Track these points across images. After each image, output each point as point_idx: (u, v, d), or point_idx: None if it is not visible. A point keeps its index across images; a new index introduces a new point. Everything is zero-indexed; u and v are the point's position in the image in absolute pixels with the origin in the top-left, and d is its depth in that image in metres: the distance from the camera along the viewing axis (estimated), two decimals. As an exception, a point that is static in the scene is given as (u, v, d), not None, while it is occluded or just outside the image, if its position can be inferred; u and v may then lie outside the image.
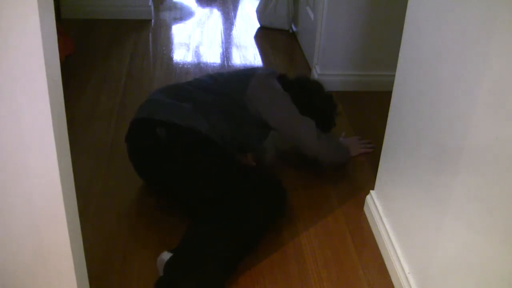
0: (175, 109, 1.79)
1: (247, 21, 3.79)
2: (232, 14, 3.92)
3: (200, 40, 3.42)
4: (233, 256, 1.59)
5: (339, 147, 2.13)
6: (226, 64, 3.09)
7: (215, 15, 3.88)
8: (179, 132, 1.74)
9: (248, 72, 1.97)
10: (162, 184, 1.86)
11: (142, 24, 3.55)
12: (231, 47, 3.33)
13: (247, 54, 3.23)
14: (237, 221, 1.61)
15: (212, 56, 3.18)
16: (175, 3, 4.05)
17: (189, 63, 3.06)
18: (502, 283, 1.11)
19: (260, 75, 1.94)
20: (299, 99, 1.97)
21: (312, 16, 2.93)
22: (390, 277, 1.64)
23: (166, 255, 1.53)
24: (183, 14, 3.85)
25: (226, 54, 3.23)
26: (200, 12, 3.91)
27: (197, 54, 3.19)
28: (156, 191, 1.94)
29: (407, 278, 1.52)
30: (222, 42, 3.41)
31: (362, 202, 1.95)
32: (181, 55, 3.17)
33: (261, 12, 3.59)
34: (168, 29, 3.56)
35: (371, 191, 1.88)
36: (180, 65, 3.02)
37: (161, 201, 1.91)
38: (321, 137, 1.98)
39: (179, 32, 3.52)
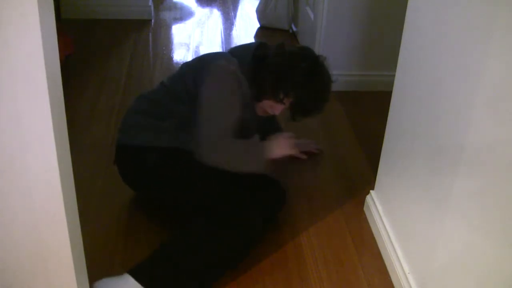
0: (158, 131, 1.72)
1: (247, 21, 3.79)
2: (232, 14, 3.92)
3: (200, 40, 3.42)
4: (233, 256, 1.60)
5: (247, 155, 1.69)
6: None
7: (215, 15, 3.88)
8: (167, 154, 1.70)
9: (210, 60, 1.74)
10: (157, 192, 1.79)
11: (142, 24, 3.55)
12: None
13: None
14: (237, 221, 1.61)
15: (212, 56, 3.18)
16: (175, 3, 4.05)
17: (189, 63, 3.06)
18: (502, 283, 1.11)
19: (220, 67, 1.69)
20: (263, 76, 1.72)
21: (312, 16, 2.93)
22: (390, 277, 1.64)
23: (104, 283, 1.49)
24: (183, 14, 3.85)
25: (226, 54, 3.23)
26: (200, 12, 3.91)
27: (197, 54, 3.19)
28: (150, 200, 1.91)
29: (407, 278, 1.52)
30: (222, 42, 3.41)
31: (362, 202, 1.95)
32: (181, 55, 3.17)
33: (261, 12, 3.59)
34: (168, 29, 3.56)
35: (371, 191, 1.88)
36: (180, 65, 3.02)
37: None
38: (225, 141, 1.64)
39: (179, 32, 3.52)
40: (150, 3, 3.69)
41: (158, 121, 1.73)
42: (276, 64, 1.71)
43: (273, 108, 1.76)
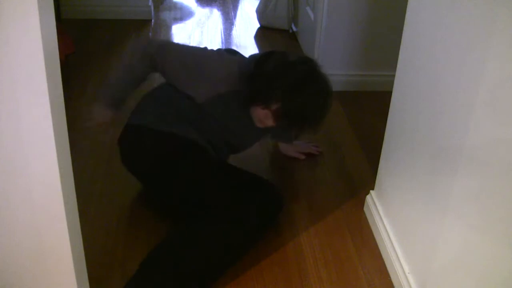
0: (162, 117, 1.76)
1: (247, 21, 3.79)
2: (232, 14, 3.92)
3: (200, 40, 3.42)
4: (229, 254, 1.60)
5: (117, 71, 1.94)
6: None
7: (215, 15, 3.88)
8: (166, 140, 1.73)
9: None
10: (153, 184, 1.83)
11: (142, 24, 3.55)
12: (231, 47, 3.33)
13: (247, 54, 3.22)
14: (232, 217, 1.60)
15: (212, 56, 3.18)
16: (175, 3, 4.05)
17: (189, 63, 3.06)
18: (502, 283, 1.11)
19: (219, 51, 1.89)
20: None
21: (312, 16, 2.93)
22: (390, 277, 1.64)
23: None
24: (183, 14, 3.85)
25: (226, 54, 3.23)
26: (200, 12, 3.91)
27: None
28: (149, 191, 1.93)
29: (407, 278, 1.52)
30: (222, 42, 3.41)
31: (362, 202, 1.95)
32: (181, 55, 3.17)
33: (261, 12, 3.59)
34: (168, 29, 3.56)
35: (371, 191, 1.88)
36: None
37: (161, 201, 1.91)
38: (133, 48, 1.89)
39: (179, 32, 3.52)
40: (150, 3, 3.69)
41: (164, 108, 1.78)
42: (267, 70, 1.70)
43: (266, 116, 1.73)
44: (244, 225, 1.62)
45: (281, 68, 1.70)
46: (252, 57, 1.85)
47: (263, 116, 1.74)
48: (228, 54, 1.90)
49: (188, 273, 1.51)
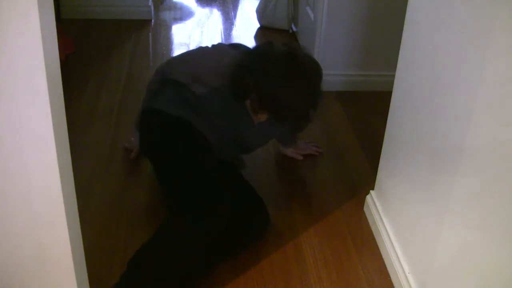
0: (170, 101, 1.80)
1: (247, 21, 3.79)
2: (232, 14, 3.92)
3: (200, 40, 3.42)
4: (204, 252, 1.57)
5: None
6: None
7: (215, 15, 3.88)
8: (171, 123, 1.75)
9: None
10: (152, 157, 1.86)
11: (142, 24, 3.55)
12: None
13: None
14: (206, 211, 1.56)
15: (212, 56, 3.18)
16: (175, 3, 4.05)
17: (189, 63, 3.06)
18: (502, 283, 1.11)
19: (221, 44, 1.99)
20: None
21: (312, 16, 2.93)
22: (390, 277, 1.64)
23: None
24: (183, 14, 3.85)
25: (226, 54, 3.22)
26: (200, 12, 3.91)
27: (197, 54, 3.19)
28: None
29: (407, 278, 1.52)
30: (222, 42, 3.41)
31: (362, 202, 1.95)
32: (181, 55, 3.17)
33: (261, 12, 3.59)
34: (168, 29, 3.56)
35: (371, 191, 1.88)
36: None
37: (162, 202, 1.91)
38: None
39: (179, 32, 3.52)
40: (150, 3, 3.69)
41: (171, 93, 1.82)
42: (248, 60, 1.70)
43: (249, 108, 1.73)
44: (216, 215, 1.57)
45: (257, 58, 1.68)
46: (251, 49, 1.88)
47: (249, 109, 1.73)
48: (230, 48, 1.91)
49: (170, 277, 1.49)
